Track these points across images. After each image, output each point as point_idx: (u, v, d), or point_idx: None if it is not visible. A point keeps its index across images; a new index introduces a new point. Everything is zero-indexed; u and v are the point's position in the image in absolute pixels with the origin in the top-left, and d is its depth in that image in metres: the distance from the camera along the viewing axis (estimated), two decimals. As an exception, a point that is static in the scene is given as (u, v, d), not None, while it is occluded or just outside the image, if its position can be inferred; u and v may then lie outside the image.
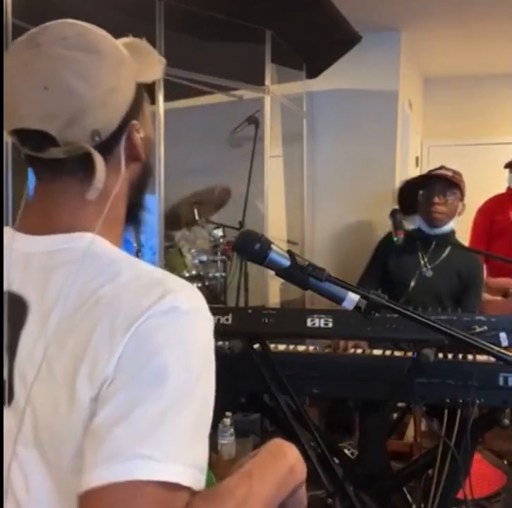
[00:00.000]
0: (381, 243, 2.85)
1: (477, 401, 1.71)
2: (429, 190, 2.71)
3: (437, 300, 2.64)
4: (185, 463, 0.68)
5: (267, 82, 3.87)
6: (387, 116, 4.64)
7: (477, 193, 4.82)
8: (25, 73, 0.79)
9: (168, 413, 0.68)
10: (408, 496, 2.25)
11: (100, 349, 0.71)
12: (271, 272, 1.30)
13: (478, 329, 1.74)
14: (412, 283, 2.62)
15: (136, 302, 0.73)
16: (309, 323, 1.86)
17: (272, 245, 1.26)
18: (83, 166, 0.81)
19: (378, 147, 4.57)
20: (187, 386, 0.71)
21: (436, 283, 2.66)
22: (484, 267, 4.48)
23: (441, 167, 2.84)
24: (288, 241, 4.36)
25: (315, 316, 1.87)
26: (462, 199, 2.72)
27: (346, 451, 2.22)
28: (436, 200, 2.66)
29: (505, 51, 4.93)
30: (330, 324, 1.86)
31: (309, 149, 4.62)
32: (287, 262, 1.26)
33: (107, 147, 0.82)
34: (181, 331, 0.73)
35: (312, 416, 2.11)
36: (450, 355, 1.86)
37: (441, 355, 1.84)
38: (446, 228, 2.71)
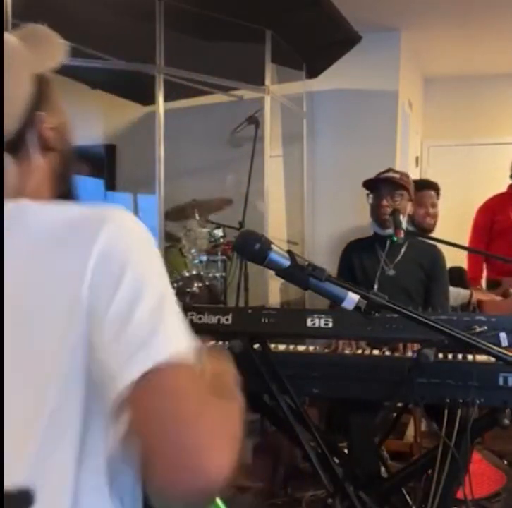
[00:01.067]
0: (343, 252, 2.95)
1: (477, 401, 1.71)
2: (377, 194, 2.79)
3: (406, 295, 2.70)
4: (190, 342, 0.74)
5: (267, 82, 3.87)
6: (387, 116, 4.64)
7: (477, 193, 4.84)
8: None
9: (161, 307, 0.73)
10: (407, 496, 2.25)
11: (72, 277, 0.73)
12: (271, 272, 1.30)
13: (478, 329, 1.74)
14: (376, 286, 2.68)
15: (87, 229, 0.76)
16: (309, 323, 1.86)
17: (272, 245, 1.26)
18: None
19: (378, 147, 4.57)
20: (161, 283, 0.77)
21: (401, 280, 2.72)
22: (484, 266, 4.52)
23: (389, 170, 2.94)
24: (288, 241, 4.36)
25: (315, 316, 1.86)
26: (410, 200, 2.81)
27: (346, 451, 2.23)
28: (385, 202, 2.74)
29: (505, 51, 4.93)
30: (330, 324, 1.86)
31: (309, 149, 4.62)
32: (287, 262, 1.27)
33: (15, 143, 0.83)
34: (135, 238, 0.78)
35: (312, 416, 2.10)
36: (450, 355, 1.86)
37: (441, 355, 1.84)
38: None
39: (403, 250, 2.76)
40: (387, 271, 2.73)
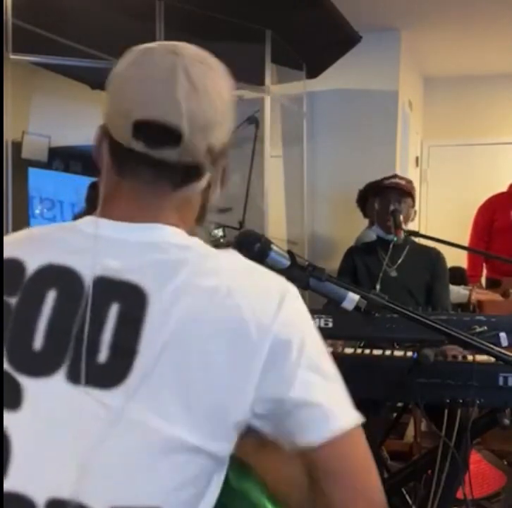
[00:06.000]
0: (345, 255, 2.98)
1: (477, 401, 1.71)
2: (384, 200, 2.81)
3: (409, 296, 2.73)
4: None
5: (267, 82, 3.87)
6: (387, 116, 4.64)
7: (477, 193, 4.85)
8: (171, 73, 0.82)
9: (337, 377, 0.90)
10: (407, 496, 2.25)
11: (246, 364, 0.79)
12: (271, 272, 1.29)
13: (478, 329, 1.74)
14: (378, 286, 2.70)
15: (262, 309, 0.81)
16: (309, 323, 1.86)
17: (272, 245, 1.26)
18: (184, 174, 0.84)
19: (378, 147, 4.57)
20: (323, 348, 0.91)
21: (403, 281, 2.75)
22: (484, 265, 4.52)
23: (395, 176, 2.97)
24: (288, 241, 4.36)
25: (315, 316, 1.86)
26: (413, 206, 2.85)
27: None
28: (391, 208, 2.75)
29: (505, 51, 4.93)
30: (330, 324, 1.85)
31: (309, 149, 4.61)
32: (287, 262, 1.27)
33: (211, 164, 0.86)
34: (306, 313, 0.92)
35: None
36: (450, 356, 1.86)
37: (441, 355, 1.84)
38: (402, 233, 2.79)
39: (404, 252, 2.78)
40: (390, 272, 2.76)
